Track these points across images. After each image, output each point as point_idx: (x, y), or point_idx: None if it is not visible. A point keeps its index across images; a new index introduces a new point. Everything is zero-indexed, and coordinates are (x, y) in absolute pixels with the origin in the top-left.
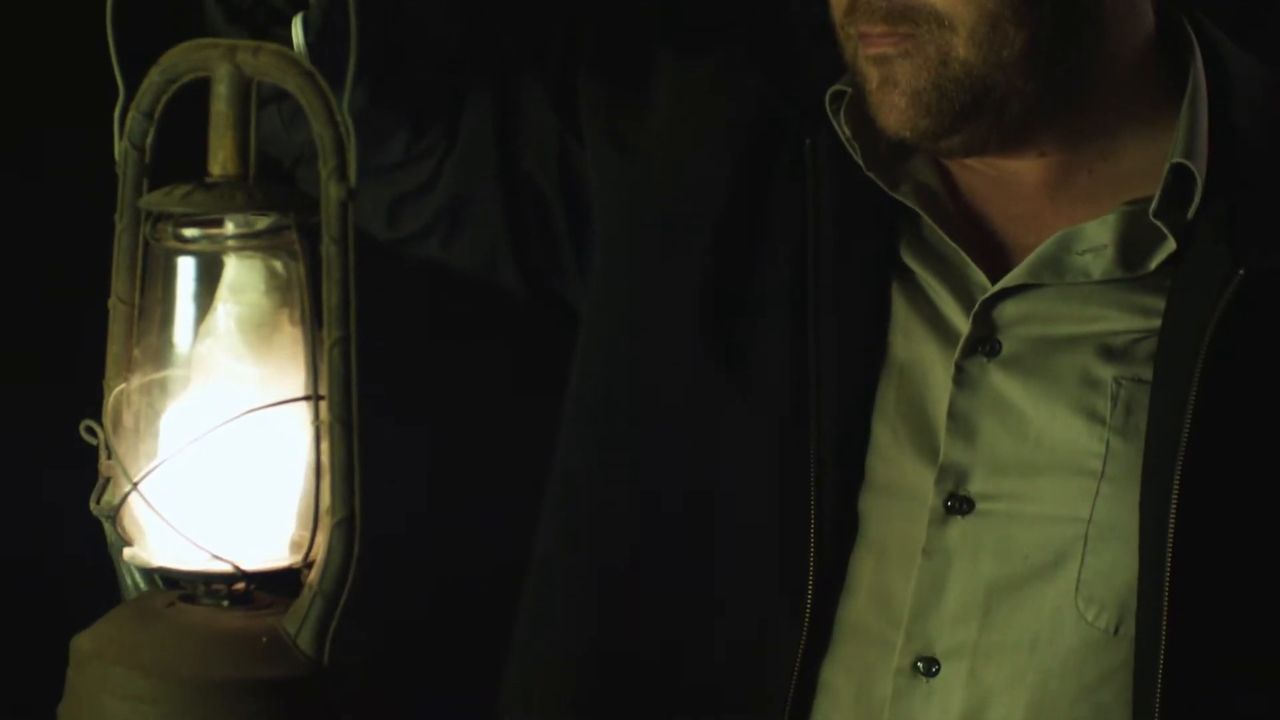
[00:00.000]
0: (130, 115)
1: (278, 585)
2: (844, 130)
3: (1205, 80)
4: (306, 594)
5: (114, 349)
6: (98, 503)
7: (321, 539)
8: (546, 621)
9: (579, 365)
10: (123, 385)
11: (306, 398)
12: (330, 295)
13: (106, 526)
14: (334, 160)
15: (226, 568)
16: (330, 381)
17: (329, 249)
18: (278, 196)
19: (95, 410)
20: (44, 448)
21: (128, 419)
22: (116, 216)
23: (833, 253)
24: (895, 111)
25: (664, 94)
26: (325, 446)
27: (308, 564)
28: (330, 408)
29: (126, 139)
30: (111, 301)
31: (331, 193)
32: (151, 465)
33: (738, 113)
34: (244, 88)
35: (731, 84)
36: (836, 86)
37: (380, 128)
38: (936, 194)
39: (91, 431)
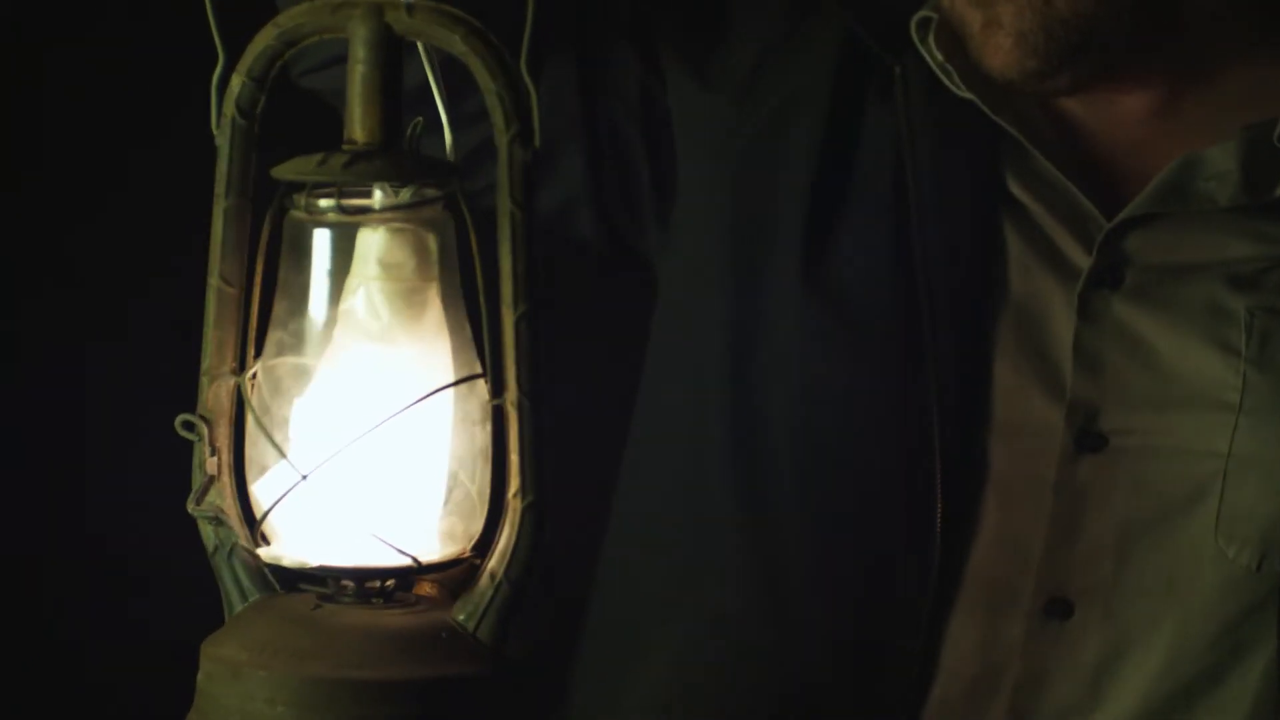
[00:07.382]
0: (240, 81)
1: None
2: (935, 56)
3: None
4: (487, 583)
5: (215, 335)
6: (198, 503)
7: (508, 524)
8: (646, 592)
9: (661, 321)
10: (231, 376)
11: (478, 376)
12: (516, 265)
13: (205, 527)
14: (517, 124)
15: (395, 562)
16: (518, 357)
17: (514, 215)
18: (427, 166)
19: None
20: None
21: (258, 405)
22: (220, 191)
23: (935, 185)
24: (1001, 53)
25: (742, 26)
26: (491, 428)
27: (477, 553)
28: (519, 385)
29: (233, 106)
30: (212, 284)
31: (516, 156)
32: (324, 459)
33: (821, 43)
34: (391, 49)
35: (812, 13)
36: (922, 13)
37: (462, 76)
38: (1038, 122)
39: (189, 426)
